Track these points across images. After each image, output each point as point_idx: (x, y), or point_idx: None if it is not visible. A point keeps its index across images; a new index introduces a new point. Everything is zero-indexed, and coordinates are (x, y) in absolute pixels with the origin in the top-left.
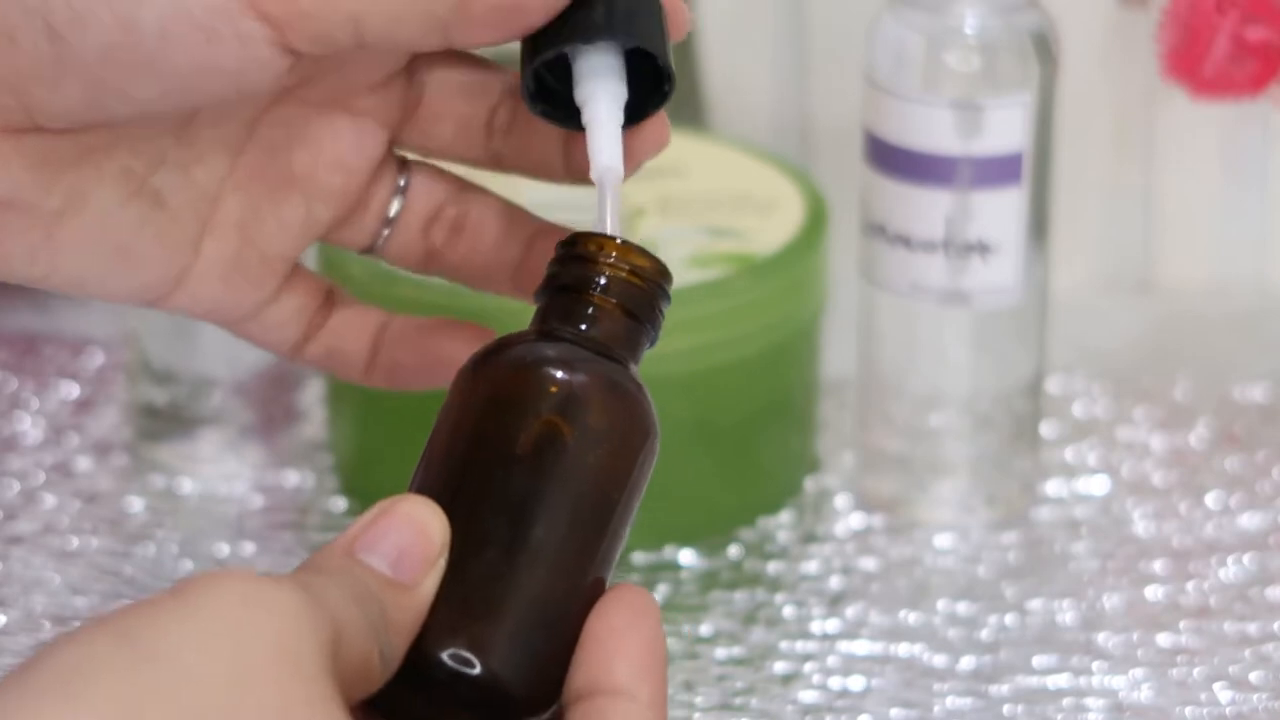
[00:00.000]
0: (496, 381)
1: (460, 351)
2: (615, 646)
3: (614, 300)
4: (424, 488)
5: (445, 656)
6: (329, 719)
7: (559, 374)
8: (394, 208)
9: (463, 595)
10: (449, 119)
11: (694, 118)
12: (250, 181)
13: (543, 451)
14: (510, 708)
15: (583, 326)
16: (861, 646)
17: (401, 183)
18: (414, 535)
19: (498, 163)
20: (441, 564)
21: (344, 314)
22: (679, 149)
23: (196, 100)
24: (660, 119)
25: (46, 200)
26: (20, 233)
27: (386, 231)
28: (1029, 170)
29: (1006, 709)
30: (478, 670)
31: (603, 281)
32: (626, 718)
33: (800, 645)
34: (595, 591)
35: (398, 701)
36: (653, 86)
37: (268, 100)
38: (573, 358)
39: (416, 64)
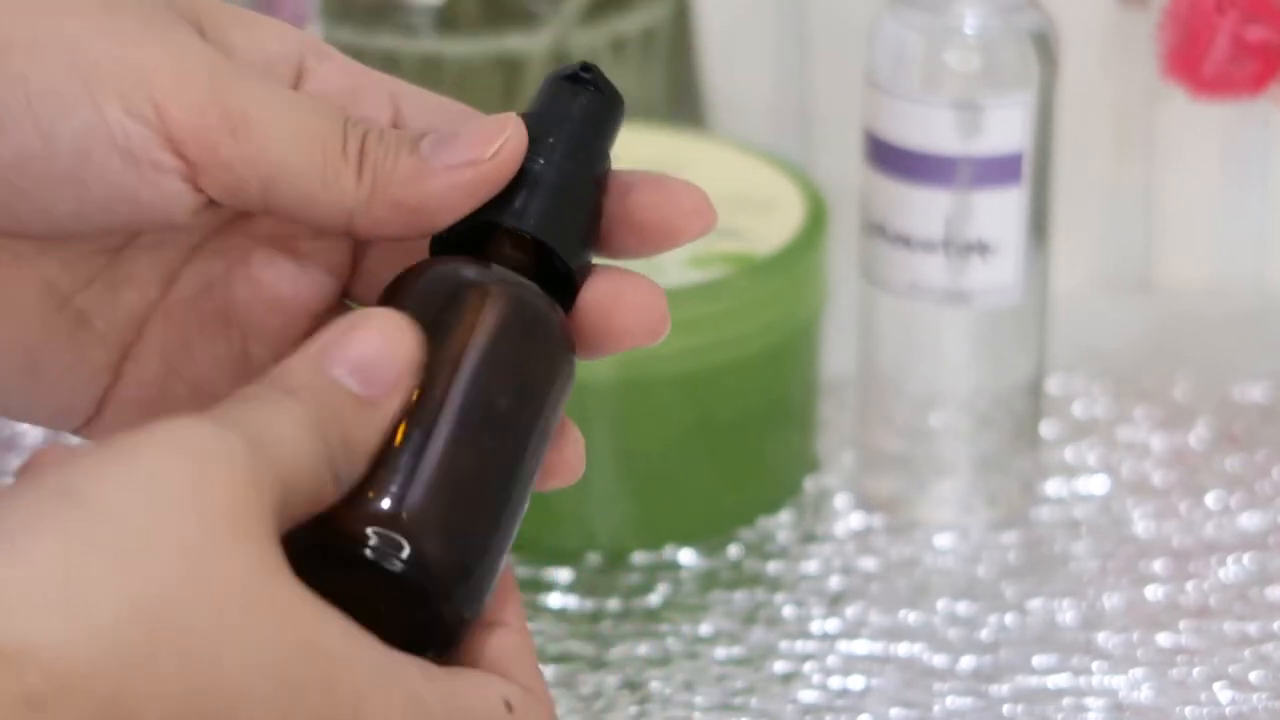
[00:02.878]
0: (413, 297)
1: None
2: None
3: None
4: None
5: (371, 533)
6: (277, 593)
7: (476, 291)
8: None
9: (390, 480)
10: (394, 272)
11: (694, 118)
12: (181, 309)
13: (459, 363)
14: (431, 593)
15: (503, 249)
16: (861, 646)
17: None
18: (386, 350)
19: None
20: (408, 384)
21: None
22: (679, 149)
23: (113, 224)
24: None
25: None
26: None
27: None
28: (1029, 170)
29: (1006, 709)
30: (406, 551)
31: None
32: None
33: (800, 645)
34: (519, 491)
35: (314, 565)
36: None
37: (209, 228)
38: (492, 277)
39: None
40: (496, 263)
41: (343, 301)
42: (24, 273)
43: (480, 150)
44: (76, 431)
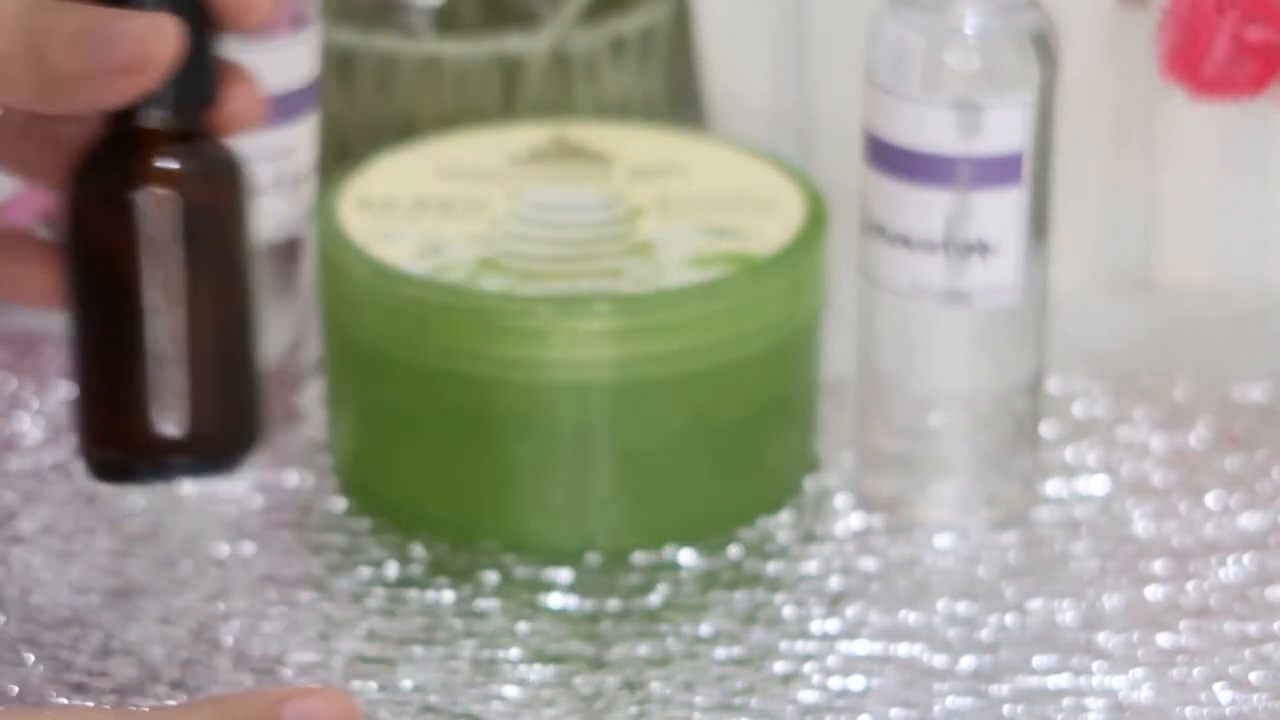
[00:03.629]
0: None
1: (21, 274)
2: None
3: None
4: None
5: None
6: None
7: (160, 206)
8: None
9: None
10: None
11: (694, 118)
12: None
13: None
14: (219, 453)
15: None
16: (861, 646)
17: None
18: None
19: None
20: None
21: None
22: (679, 149)
23: None
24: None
25: None
26: None
27: None
28: (1029, 170)
29: (1006, 709)
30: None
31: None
32: None
33: (800, 645)
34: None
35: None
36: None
37: None
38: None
39: None
40: (156, 147)
41: None
42: None
43: (138, 56)
44: None
